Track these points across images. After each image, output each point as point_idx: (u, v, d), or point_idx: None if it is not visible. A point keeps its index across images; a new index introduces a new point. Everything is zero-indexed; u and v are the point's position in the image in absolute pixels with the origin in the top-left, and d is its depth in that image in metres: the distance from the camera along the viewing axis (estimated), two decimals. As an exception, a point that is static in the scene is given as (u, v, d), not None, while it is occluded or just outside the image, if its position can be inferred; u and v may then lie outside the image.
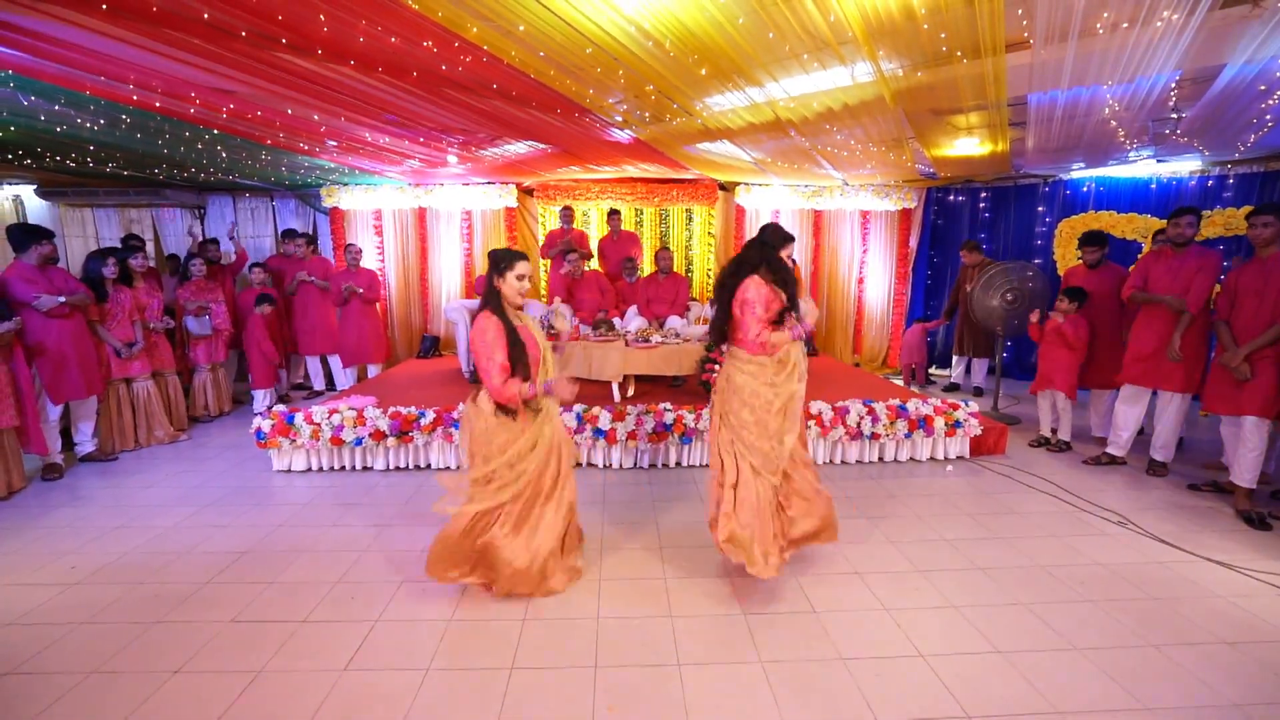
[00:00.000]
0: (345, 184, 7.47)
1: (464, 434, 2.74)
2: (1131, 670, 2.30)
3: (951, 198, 7.96)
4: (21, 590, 2.85)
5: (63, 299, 4.24)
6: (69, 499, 3.95)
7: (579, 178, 7.51)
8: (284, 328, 6.43)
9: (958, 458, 4.71)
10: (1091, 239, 4.88)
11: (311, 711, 2.09)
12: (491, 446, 2.62)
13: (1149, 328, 4.21)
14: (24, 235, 4.22)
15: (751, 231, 7.93)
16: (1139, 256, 4.56)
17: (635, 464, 4.50)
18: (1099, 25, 3.15)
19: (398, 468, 4.46)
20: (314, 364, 6.73)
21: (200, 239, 6.48)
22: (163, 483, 4.23)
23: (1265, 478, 3.82)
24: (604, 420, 4.33)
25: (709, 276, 8.01)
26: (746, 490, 2.73)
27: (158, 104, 4.00)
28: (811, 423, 4.42)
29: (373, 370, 6.78)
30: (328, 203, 7.52)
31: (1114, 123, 4.58)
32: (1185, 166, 6.22)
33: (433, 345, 7.54)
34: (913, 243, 8.03)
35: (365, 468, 4.46)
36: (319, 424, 4.29)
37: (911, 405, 4.58)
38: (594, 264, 7.01)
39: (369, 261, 7.47)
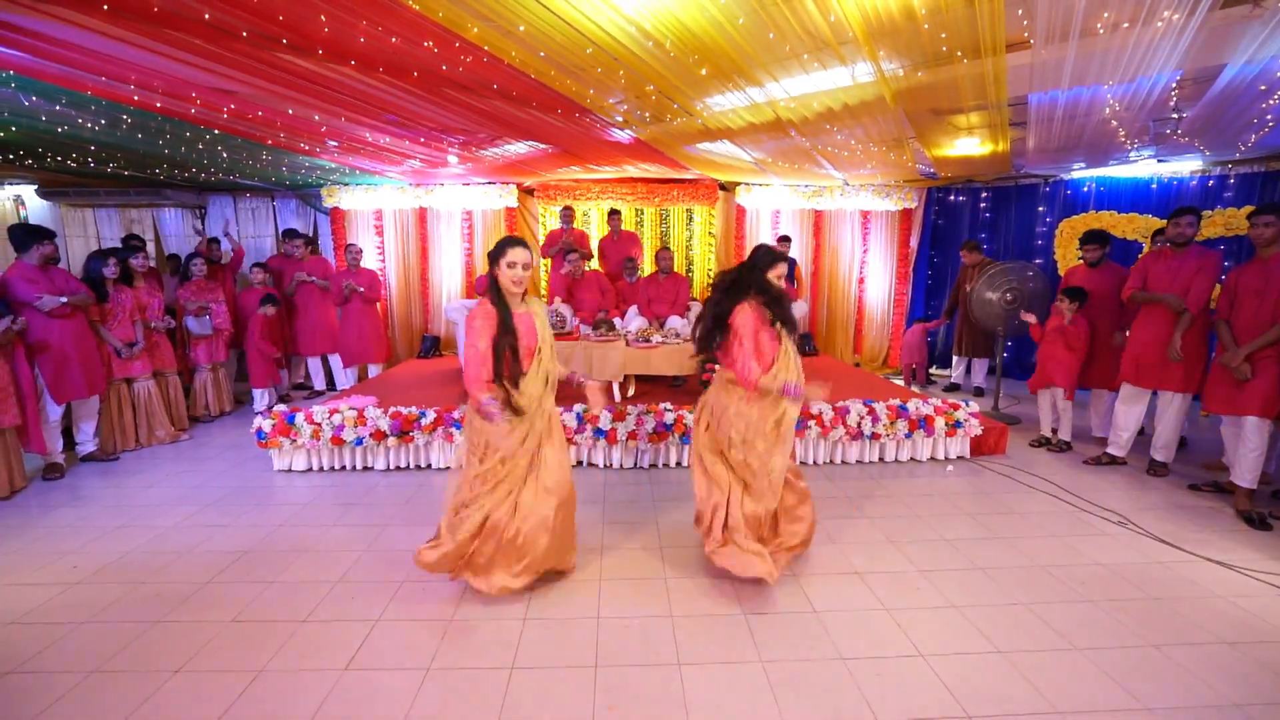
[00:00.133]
0: (346, 184, 7.47)
1: (465, 430, 2.75)
2: (1131, 670, 2.30)
3: (952, 198, 7.95)
4: (22, 590, 2.85)
5: (64, 299, 4.24)
6: (70, 499, 3.95)
7: (579, 178, 7.52)
8: (284, 328, 6.43)
9: (958, 458, 4.71)
10: (1093, 237, 4.87)
11: (312, 711, 2.09)
12: (484, 444, 2.61)
13: (1149, 328, 4.21)
14: (25, 235, 4.23)
15: (752, 231, 7.95)
16: (1139, 257, 4.55)
17: (635, 464, 4.51)
18: (1099, 25, 3.15)
19: (398, 467, 4.46)
20: (314, 364, 6.73)
21: (206, 236, 6.51)
22: (163, 482, 4.24)
23: (1266, 478, 3.81)
24: (604, 420, 4.33)
25: (709, 276, 8.02)
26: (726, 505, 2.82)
27: (159, 104, 4.00)
28: (812, 423, 4.42)
29: (373, 370, 6.79)
30: (328, 203, 7.53)
31: (1115, 123, 4.58)
32: (1186, 166, 6.22)
33: (433, 345, 7.54)
34: (913, 243, 8.03)
35: (366, 468, 4.46)
36: (320, 424, 4.29)
37: (912, 405, 4.58)
38: (594, 264, 7.01)
39: (369, 261, 7.48)
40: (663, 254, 6.33)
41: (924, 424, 4.55)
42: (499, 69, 3.52)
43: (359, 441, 4.33)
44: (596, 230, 7.77)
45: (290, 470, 4.42)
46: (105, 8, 2.65)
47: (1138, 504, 3.83)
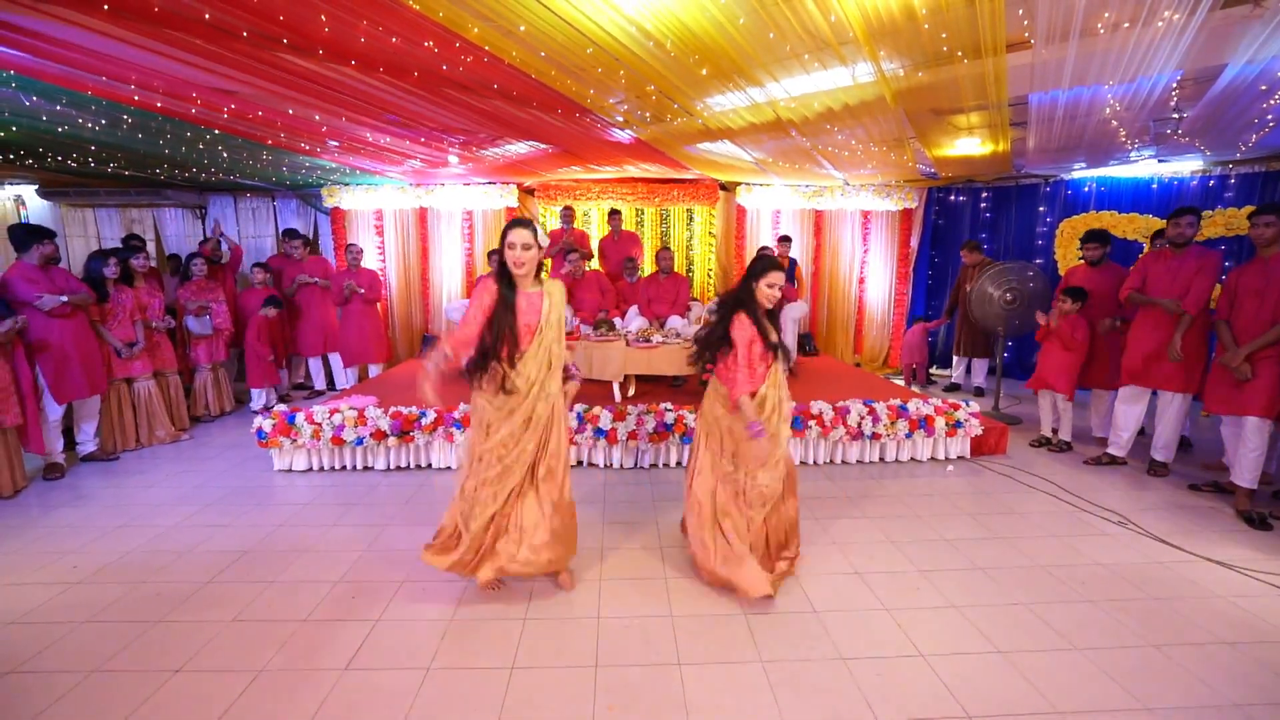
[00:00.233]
0: (346, 184, 7.48)
1: (470, 412, 2.77)
2: (1132, 670, 2.30)
3: (952, 198, 7.95)
4: (23, 589, 2.85)
5: (64, 298, 4.25)
6: (70, 498, 3.95)
7: (580, 178, 7.52)
8: (285, 328, 6.43)
9: (958, 458, 4.71)
10: (1094, 236, 4.88)
11: (312, 711, 2.09)
12: (486, 425, 2.62)
13: (1147, 328, 4.21)
14: (26, 235, 4.23)
15: (753, 231, 7.96)
16: (1139, 257, 4.55)
17: (636, 464, 4.51)
18: (1100, 25, 3.15)
19: (399, 467, 4.46)
20: (315, 363, 6.73)
21: (221, 231, 6.56)
22: (164, 482, 4.24)
23: (1266, 478, 3.81)
24: (605, 420, 4.33)
25: (710, 276, 8.02)
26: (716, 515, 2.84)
27: (159, 104, 4.00)
28: (812, 423, 4.42)
29: (374, 370, 6.79)
30: (329, 203, 7.53)
31: (1115, 122, 4.58)
32: (1187, 166, 6.22)
33: (433, 345, 7.53)
34: (914, 243, 8.03)
35: (366, 467, 4.46)
36: (320, 424, 4.29)
37: (912, 405, 4.58)
38: (594, 264, 7.01)
39: (370, 261, 7.48)
40: (663, 254, 6.33)
41: (924, 424, 4.55)
42: (499, 69, 3.52)
43: (359, 441, 4.33)
44: (597, 230, 7.77)
45: (290, 470, 4.42)
46: (106, 8, 2.65)
47: (1138, 504, 3.83)
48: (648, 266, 7.56)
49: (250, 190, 7.69)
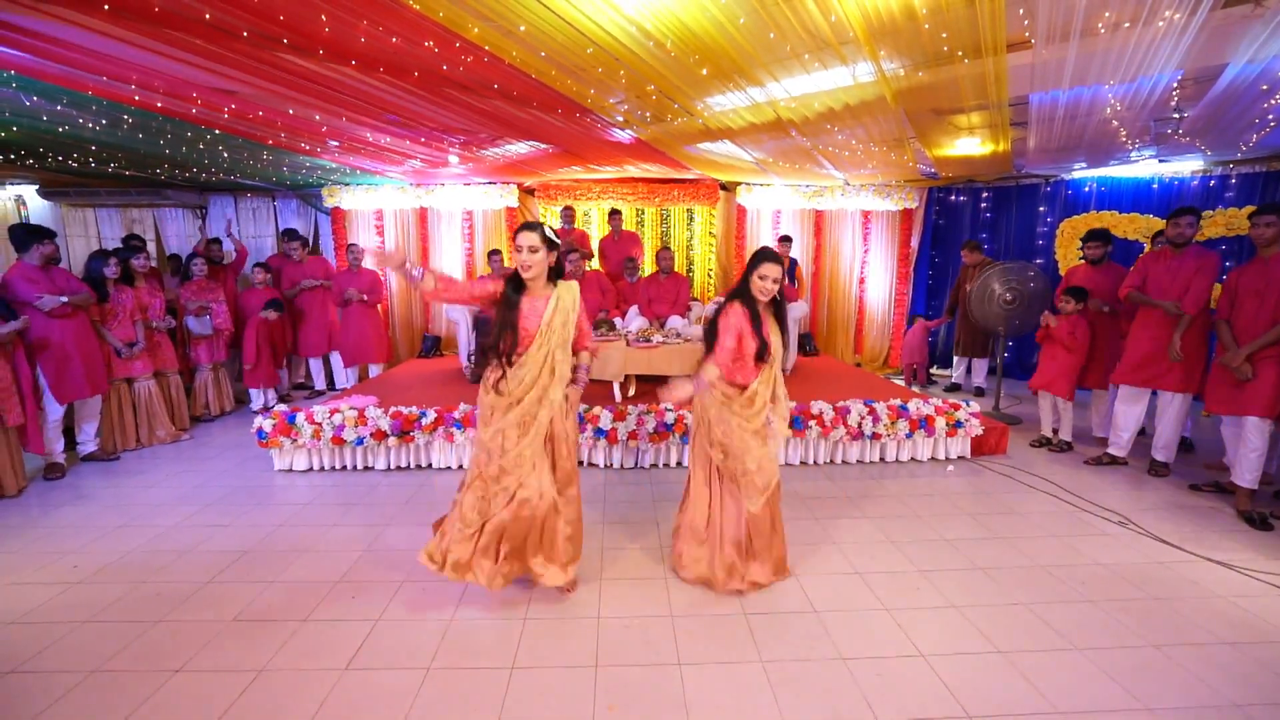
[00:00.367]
0: (347, 184, 7.48)
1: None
2: (1132, 670, 2.30)
3: (953, 198, 7.95)
4: (23, 589, 2.86)
5: (64, 299, 4.25)
6: (71, 498, 3.95)
7: (580, 178, 7.52)
8: (285, 330, 6.43)
9: (959, 458, 4.70)
10: (1095, 235, 4.88)
11: (312, 711, 2.10)
12: (490, 409, 2.62)
13: (1146, 329, 4.21)
14: (26, 235, 4.24)
15: (753, 231, 7.95)
16: (1139, 257, 4.55)
17: (636, 464, 4.51)
18: (1100, 25, 3.14)
19: (399, 467, 4.47)
20: (315, 363, 6.74)
21: (207, 236, 6.54)
22: (164, 482, 4.24)
23: (1267, 478, 3.81)
24: (605, 420, 4.33)
25: (710, 276, 8.02)
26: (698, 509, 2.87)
27: (159, 104, 4.00)
28: (812, 423, 4.42)
29: (374, 370, 6.80)
30: (329, 203, 7.54)
31: (1116, 122, 4.58)
32: (1187, 166, 6.21)
33: (434, 345, 7.54)
34: (914, 243, 8.03)
35: (366, 467, 4.47)
36: (320, 424, 4.29)
37: (913, 405, 4.58)
38: (595, 264, 7.01)
39: (370, 262, 7.47)
40: (663, 254, 6.34)
41: (925, 424, 4.55)
42: (500, 69, 3.52)
43: (359, 441, 4.33)
44: (597, 230, 7.77)
45: (291, 470, 4.42)
46: (106, 8, 2.66)
47: (1138, 504, 3.83)
48: (648, 266, 7.56)
49: (251, 190, 7.69)
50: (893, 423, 4.49)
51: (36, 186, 7.07)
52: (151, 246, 6.90)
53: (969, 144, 5.48)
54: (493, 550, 2.61)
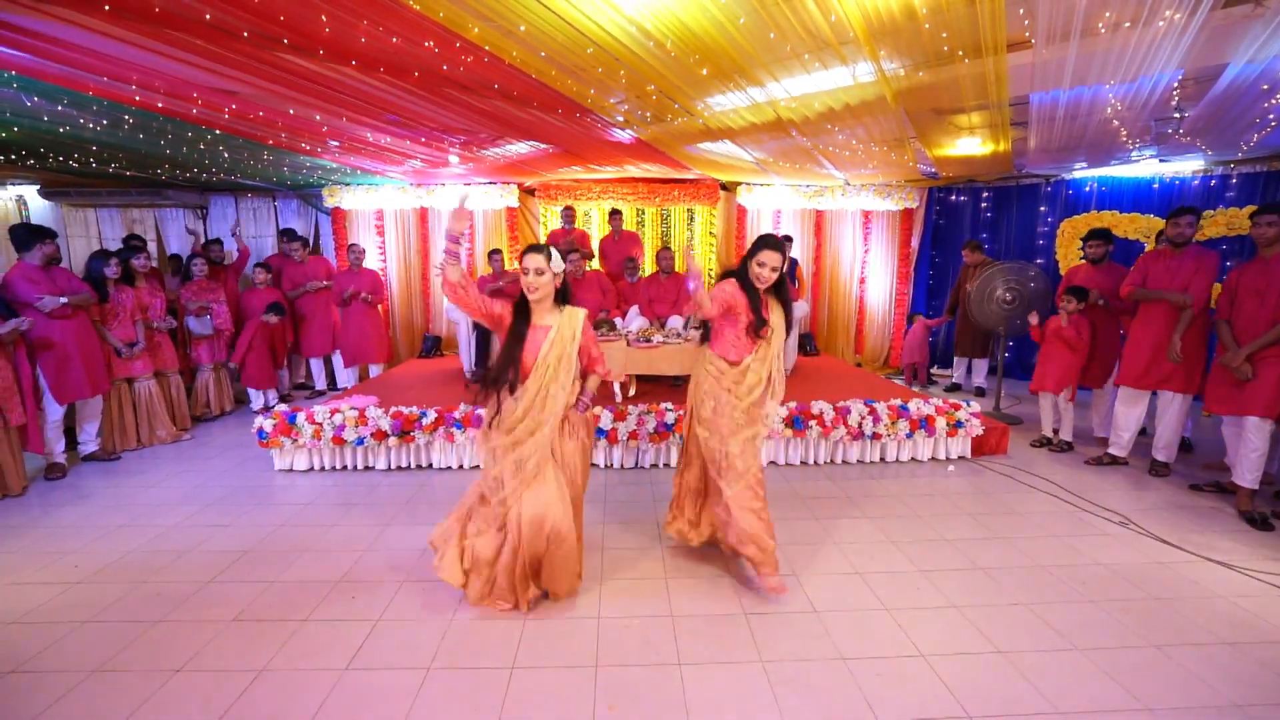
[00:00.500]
0: (347, 184, 7.48)
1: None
2: (1132, 670, 2.30)
3: (953, 197, 7.95)
4: (24, 589, 2.86)
5: (64, 299, 4.25)
6: (72, 498, 3.96)
7: (580, 178, 7.52)
8: (285, 329, 6.44)
9: (959, 458, 4.70)
10: (1097, 234, 4.88)
11: (313, 710, 2.10)
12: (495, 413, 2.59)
13: (1146, 328, 4.20)
14: (27, 235, 4.24)
15: (753, 231, 7.95)
16: (1140, 256, 4.55)
17: (636, 464, 4.51)
18: (1101, 25, 3.14)
19: (399, 467, 4.47)
20: (316, 363, 6.75)
21: (203, 239, 6.51)
22: (165, 482, 4.24)
23: (1268, 478, 3.81)
24: (605, 420, 4.33)
25: (710, 276, 8.01)
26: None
27: (160, 104, 4.01)
28: (813, 422, 4.42)
29: (374, 370, 6.80)
30: (329, 203, 7.54)
31: (1116, 122, 4.57)
32: (1188, 166, 6.21)
33: (434, 345, 7.55)
34: (914, 243, 8.03)
35: (367, 467, 4.47)
36: (321, 424, 4.29)
37: (913, 405, 4.57)
38: (595, 264, 7.01)
39: (371, 262, 7.48)
40: (664, 254, 6.33)
41: (925, 424, 4.54)
42: (500, 69, 3.52)
43: (360, 441, 4.33)
44: (597, 230, 7.77)
45: (291, 470, 4.42)
46: (107, 8, 2.66)
47: (1139, 504, 3.83)
48: (648, 266, 7.56)
49: (251, 190, 7.70)
50: (893, 423, 4.49)
51: (37, 187, 7.07)
52: (152, 247, 6.90)
53: (969, 144, 5.48)
54: (504, 582, 2.62)
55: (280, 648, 2.42)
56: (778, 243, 2.73)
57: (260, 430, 4.32)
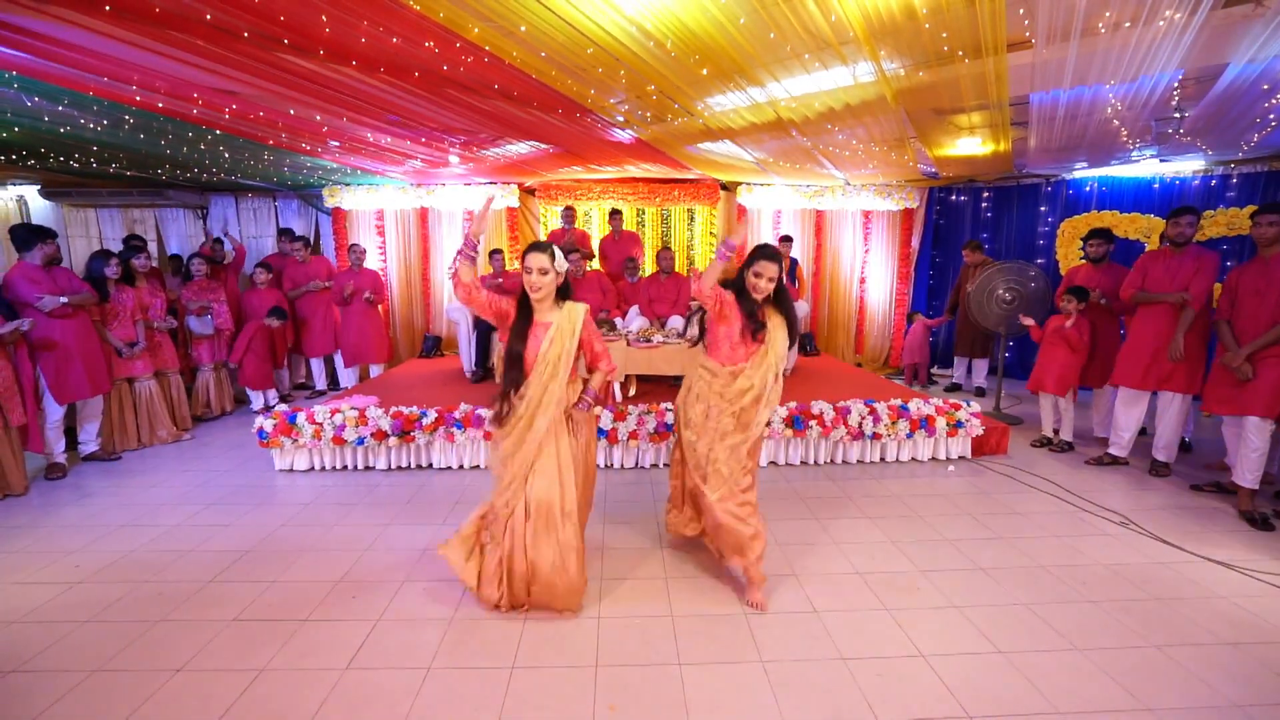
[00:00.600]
0: (347, 184, 7.48)
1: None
2: (1133, 670, 2.30)
3: (954, 197, 7.94)
4: (25, 589, 2.86)
5: (64, 299, 4.25)
6: (72, 498, 3.96)
7: (581, 178, 7.52)
8: (285, 330, 6.44)
9: (959, 458, 4.70)
10: (1098, 233, 4.88)
11: (313, 710, 2.10)
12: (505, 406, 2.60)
13: (1147, 329, 4.20)
14: (28, 235, 4.25)
15: (754, 231, 7.94)
16: (1140, 256, 4.54)
17: (636, 464, 4.51)
18: (1101, 24, 3.14)
19: (400, 467, 4.47)
20: (316, 363, 6.75)
21: (212, 236, 6.57)
22: (165, 482, 4.25)
23: (1268, 478, 3.81)
24: (605, 420, 4.33)
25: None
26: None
27: (161, 105, 4.01)
28: (813, 422, 4.42)
29: (375, 370, 6.80)
30: (330, 203, 7.54)
31: (1116, 122, 4.57)
32: (1189, 166, 6.20)
33: (435, 345, 7.55)
34: (915, 242, 8.02)
35: (367, 467, 4.47)
36: (321, 424, 4.30)
37: (913, 405, 4.57)
38: (595, 264, 7.01)
39: (371, 262, 7.48)
40: (664, 254, 6.34)
41: (925, 424, 4.54)
42: (500, 69, 3.52)
43: (360, 441, 4.33)
44: (598, 230, 7.77)
45: (292, 470, 4.42)
46: (107, 9, 2.66)
47: (1139, 504, 3.83)
48: (648, 266, 7.56)
49: (252, 190, 7.70)
50: (893, 423, 4.49)
51: (38, 187, 7.08)
52: (153, 247, 6.91)
53: (970, 144, 5.48)
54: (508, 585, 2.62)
55: (280, 647, 2.43)
56: (774, 253, 2.71)
57: (261, 430, 4.32)
